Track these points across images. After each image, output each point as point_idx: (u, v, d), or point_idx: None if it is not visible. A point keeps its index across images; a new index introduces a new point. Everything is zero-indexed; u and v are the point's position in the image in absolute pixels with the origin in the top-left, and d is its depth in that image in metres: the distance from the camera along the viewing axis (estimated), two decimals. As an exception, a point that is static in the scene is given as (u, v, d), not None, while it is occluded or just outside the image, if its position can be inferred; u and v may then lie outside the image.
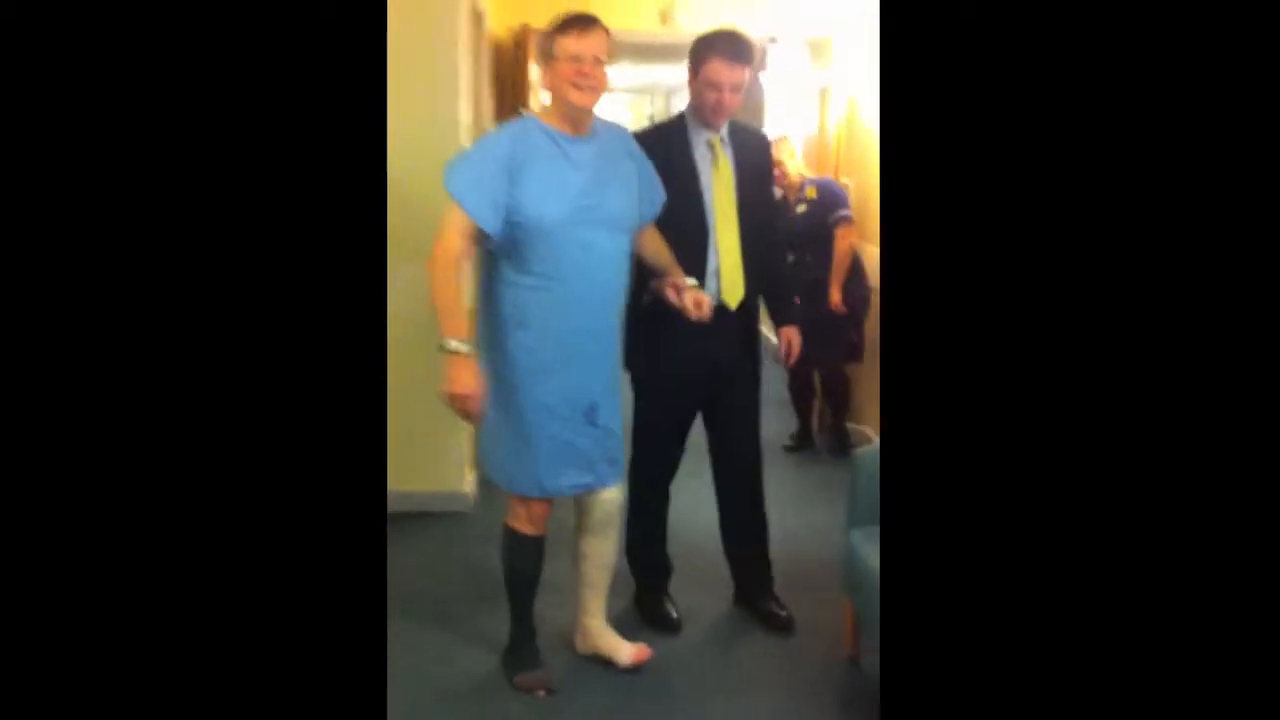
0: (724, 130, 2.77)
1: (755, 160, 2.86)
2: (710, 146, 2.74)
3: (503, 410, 2.44)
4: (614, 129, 2.55)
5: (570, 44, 2.30)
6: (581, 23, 2.33)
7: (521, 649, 2.66)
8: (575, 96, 2.32)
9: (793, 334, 3.01)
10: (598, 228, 2.37)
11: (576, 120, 2.38)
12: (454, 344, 2.27)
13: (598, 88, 2.32)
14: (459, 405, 2.32)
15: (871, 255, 4.69)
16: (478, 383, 2.32)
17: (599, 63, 2.32)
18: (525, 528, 2.56)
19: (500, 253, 2.37)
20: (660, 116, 14.30)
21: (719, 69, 2.63)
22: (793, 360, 3.02)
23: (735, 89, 2.65)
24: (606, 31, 2.35)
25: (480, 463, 2.63)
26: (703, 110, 2.69)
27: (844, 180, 4.86)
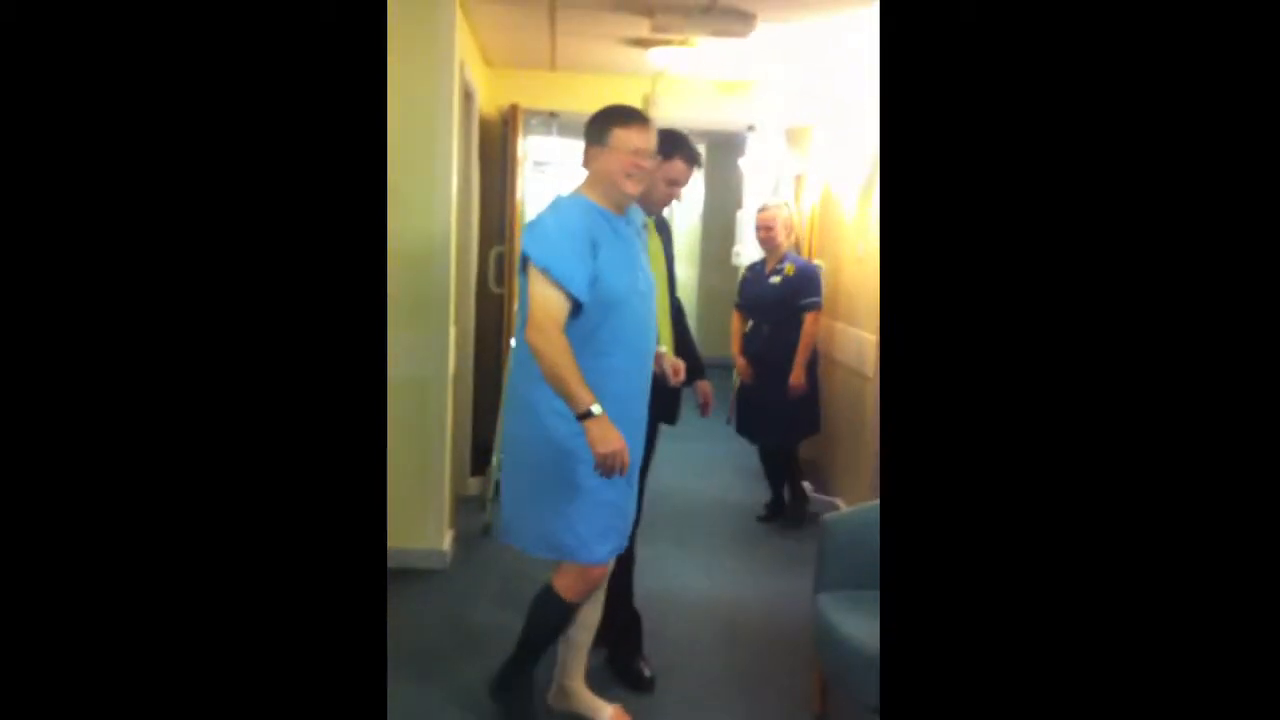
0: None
1: (668, 242, 3.09)
2: (646, 228, 2.89)
3: (554, 479, 2.50)
4: (631, 208, 2.68)
5: (631, 137, 2.47)
6: (641, 118, 2.53)
7: (526, 706, 2.72)
8: (629, 185, 2.49)
9: (707, 387, 3.20)
10: (642, 298, 2.57)
11: (620, 204, 2.55)
12: (596, 409, 2.35)
13: (646, 178, 2.54)
14: (614, 462, 2.36)
15: (842, 334, 4.87)
16: (620, 438, 2.39)
17: (651, 156, 2.53)
18: (572, 596, 2.59)
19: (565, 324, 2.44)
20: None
21: (683, 170, 2.87)
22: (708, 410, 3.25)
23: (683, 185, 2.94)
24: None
25: (508, 535, 2.64)
26: (654, 199, 2.87)
27: (817, 261, 5.06)
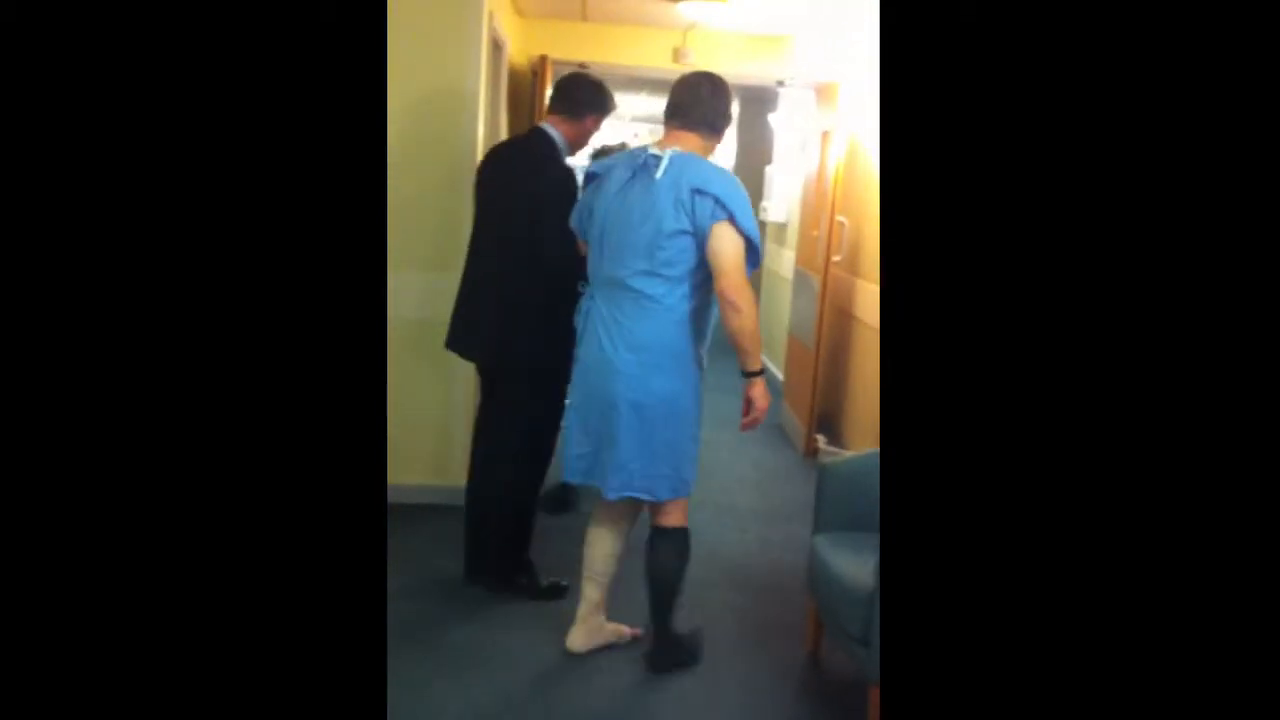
0: None
1: None
2: None
3: (684, 426, 2.66)
4: None
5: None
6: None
7: (678, 639, 2.89)
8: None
9: None
10: None
11: None
12: (769, 367, 2.59)
13: None
14: (761, 416, 2.66)
15: (862, 291, 4.92)
16: None
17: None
18: (685, 522, 2.79)
19: (698, 279, 2.59)
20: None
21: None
22: None
23: None
24: None
25: (594, 477, 2.72)
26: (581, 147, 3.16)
27: (839, 218, 5.10)
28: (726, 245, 2.50)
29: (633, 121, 13.75)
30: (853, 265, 5.10)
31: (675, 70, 5.43)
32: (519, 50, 5.19)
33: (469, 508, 3.27)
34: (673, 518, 2.73)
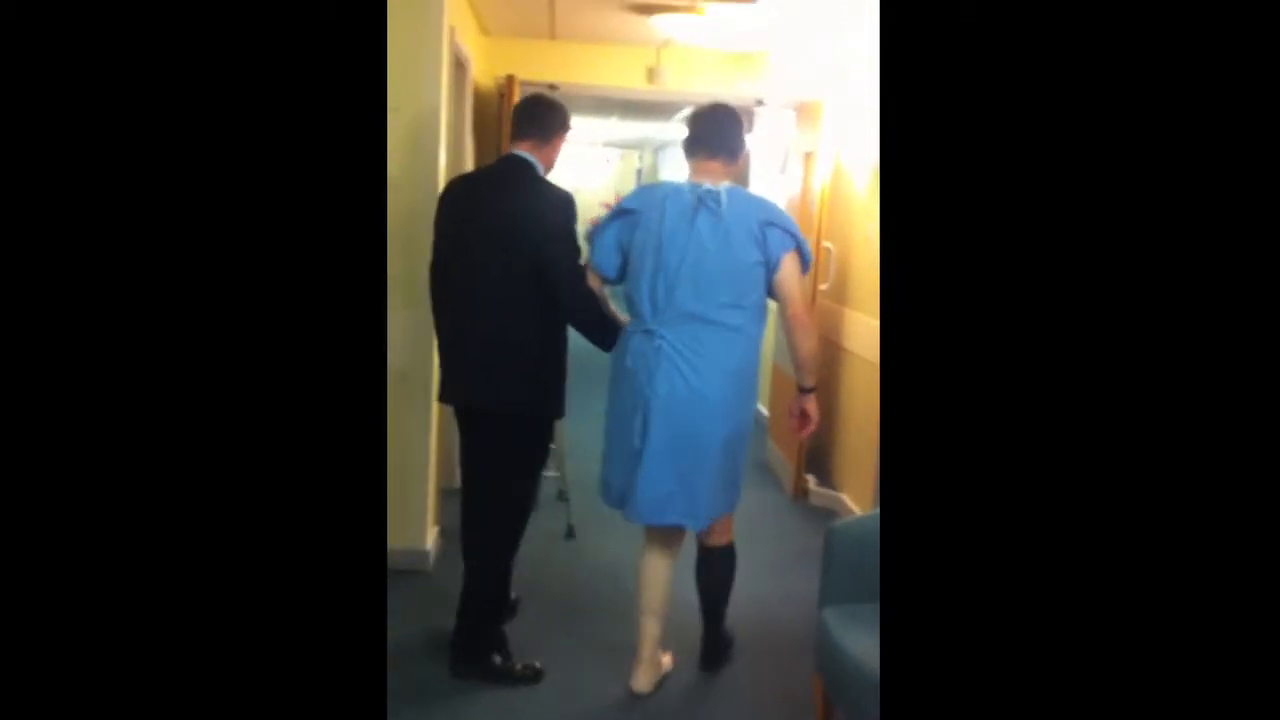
0: None
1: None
2: None
3: (742, 445, 2.78)
4: None
5: None
6: None
7: (729, 638, 3.08)
8: None
9: None
10: None
11: None
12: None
13: None
14: (815, 426, 2.84)
15: (851, 321, 4.65)
16: None
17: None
18: (733, 536, 2.91)
19: (762, 307, 2.73)
20: (649, 171, 14.38)
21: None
22: None
23: None
24: None
25: (658, 514, 2.68)
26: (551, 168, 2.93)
27: (825, 244, 4.83)
28: (795, 273, 2.67)
29: (605, 146, 13.48)
30: (840, 294, 4.83)
31: (649, 91, 5.15)
32: (484, 71, 4.89)
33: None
34: (726, 535, 2.86)
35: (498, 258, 2.70)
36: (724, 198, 2.60)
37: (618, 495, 2.73)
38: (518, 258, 2.68)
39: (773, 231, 2.61)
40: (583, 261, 2.79)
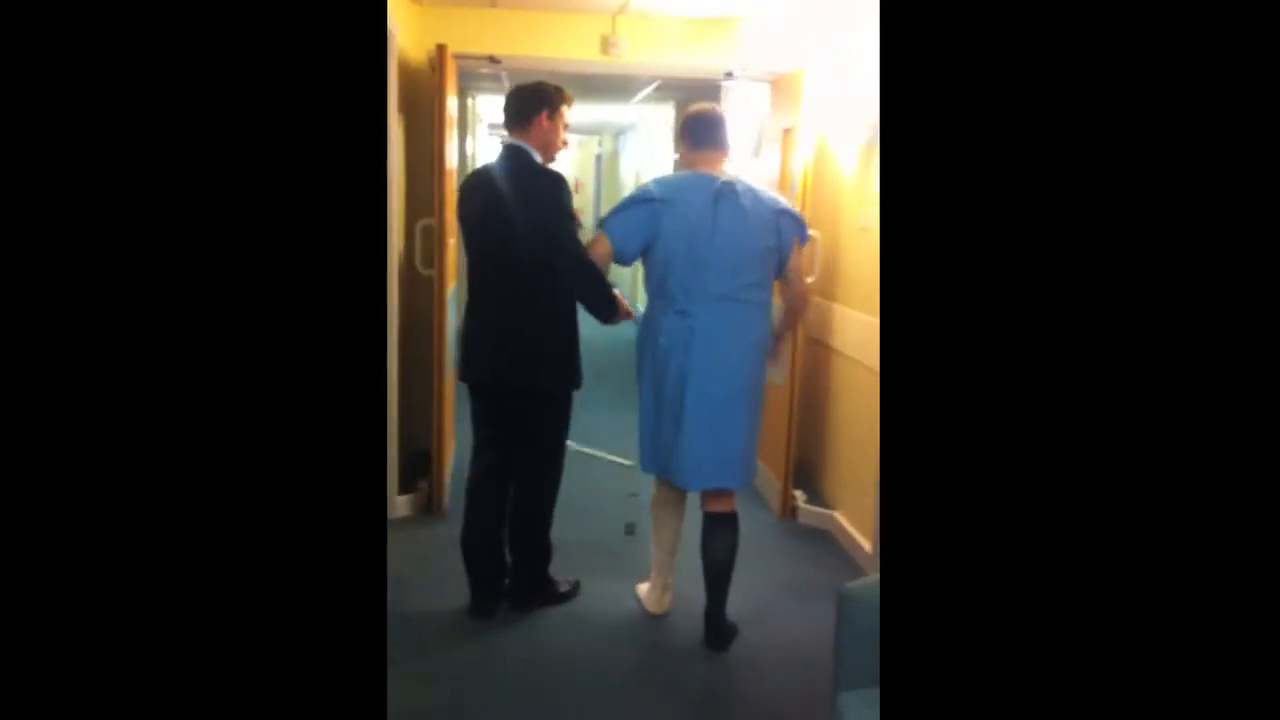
0: None
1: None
2: None
3: (759, 407, 3.09)
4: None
5: None
6: None
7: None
8: None
9: None
10: None
11: None
12: None
13: None
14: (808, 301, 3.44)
15: (841, 319, 4.10)
16: None
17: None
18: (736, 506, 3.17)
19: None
20: (609, 158, 13.74)
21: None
22: None
23: None
24: None
25: (725, 478, 3.04)
26: (553, 150, 3.13)
27: (812, 233, 4.27)
28: (802, 255, 3.12)
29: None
30: (829, 289, 4.28)
31: (603, 63, 4.55)
32: (414, 42, 4.27)
33: (473, 539, 3.22)
34: (732, 502, 3.09)
35: (504, 244, 2.97)
36: (739, 188, 2.92)
37: (660, 464, 3.05)
38: (519, 241, 2.93)
39: (785, 219, 3.00)
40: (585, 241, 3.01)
